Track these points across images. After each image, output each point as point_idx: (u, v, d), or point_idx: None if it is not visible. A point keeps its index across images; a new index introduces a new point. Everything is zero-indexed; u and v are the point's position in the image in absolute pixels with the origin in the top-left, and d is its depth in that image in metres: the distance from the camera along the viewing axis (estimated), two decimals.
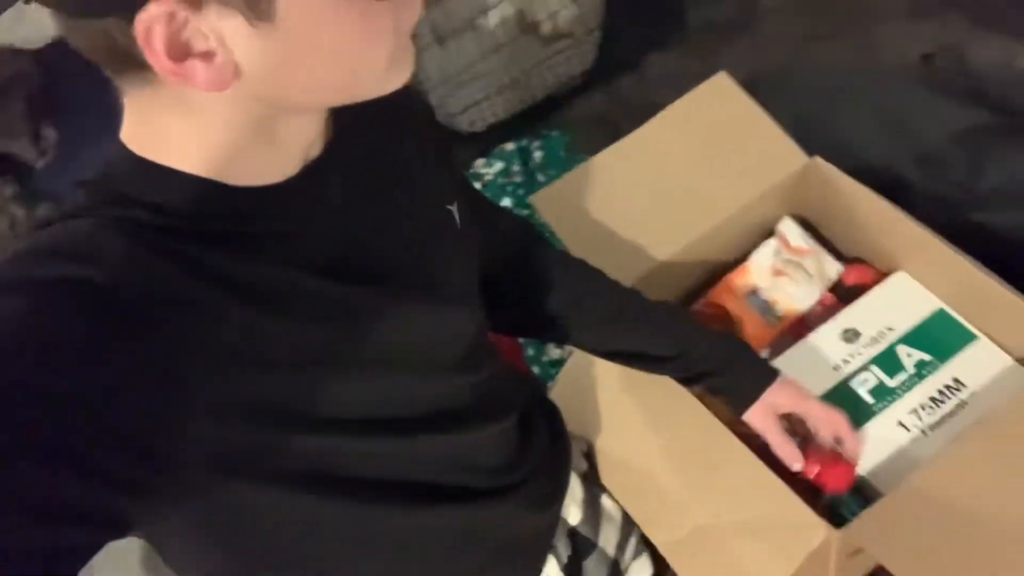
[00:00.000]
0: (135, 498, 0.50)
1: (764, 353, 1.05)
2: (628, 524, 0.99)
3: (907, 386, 0.98)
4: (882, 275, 1.07)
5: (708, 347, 0.92)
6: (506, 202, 1.93)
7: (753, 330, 1.08)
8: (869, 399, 0.98)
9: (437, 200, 0.75)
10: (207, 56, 0.49)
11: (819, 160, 1.06)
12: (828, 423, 0.90)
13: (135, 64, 0.49)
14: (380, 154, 0.69)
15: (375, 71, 0.56)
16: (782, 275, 1.09)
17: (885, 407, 0.97)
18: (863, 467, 0.94)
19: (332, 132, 0.64)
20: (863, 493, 0.94)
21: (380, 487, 0.69)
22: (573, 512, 0.94)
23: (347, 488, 0.66)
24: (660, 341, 0.92)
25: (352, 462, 0.67)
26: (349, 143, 0.64)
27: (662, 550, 0.95)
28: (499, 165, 1.99)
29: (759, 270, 1.10)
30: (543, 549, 0.90)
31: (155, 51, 0.48)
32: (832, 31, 1.47)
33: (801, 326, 1.07)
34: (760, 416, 0.90)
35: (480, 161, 2.02)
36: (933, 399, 0.97)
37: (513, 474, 0.84)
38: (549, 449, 0.92)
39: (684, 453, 0.94)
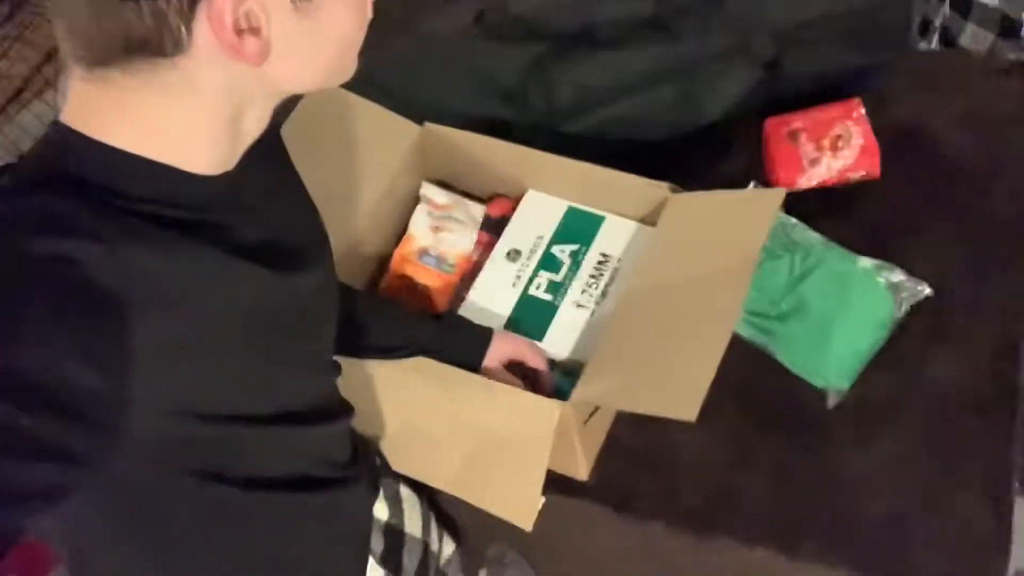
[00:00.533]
0: (71, 465, 0.51)
1: (453, 298, 1.19)
2: (425, 507, 1.09)
3: (570, 275, 1.16)
4: (517, 200, 1.25)
5: (432, 330, 1.06)
6: None
7: (437, 283, 1.21)
8: (548, 297, 1.15)
9: (308, 200, 0.83)
10: (255, 31, 0.55)
11: (429, 125, 1.20)
12: (534, 353, 1.08)
13: (147, 50, 0.53)
14: (269, 154, 0.74)
15: (355, 55, 0.64)
16: (440, 230, 1.22)
17: (562, 298, 1.15)
18: (566, 351, 1.11)
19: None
20: (574, 372, 1.10)
21: (268, 476, 0.75)
22: (380, 509, 1.02)
23: (243, 478, 0.71)
24: (392, 333, 1.05)
25: (252, 453, 0.72)
26: (256, 150, 0.69)
27: (449, 490, 1.05)
28: None
29: (420, 233, 1.22)
30: (365, 540, 0.98)
31: (224, 25, 0.53)
32: (387, 29, 1.63)
33: (474, 266, 1.21)
34: (492, 371, 1.06)
35: None
36: (592, 276, 1.16)
37: (354, 467, 0.92)
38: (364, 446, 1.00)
39: (430, 401, 1.05)
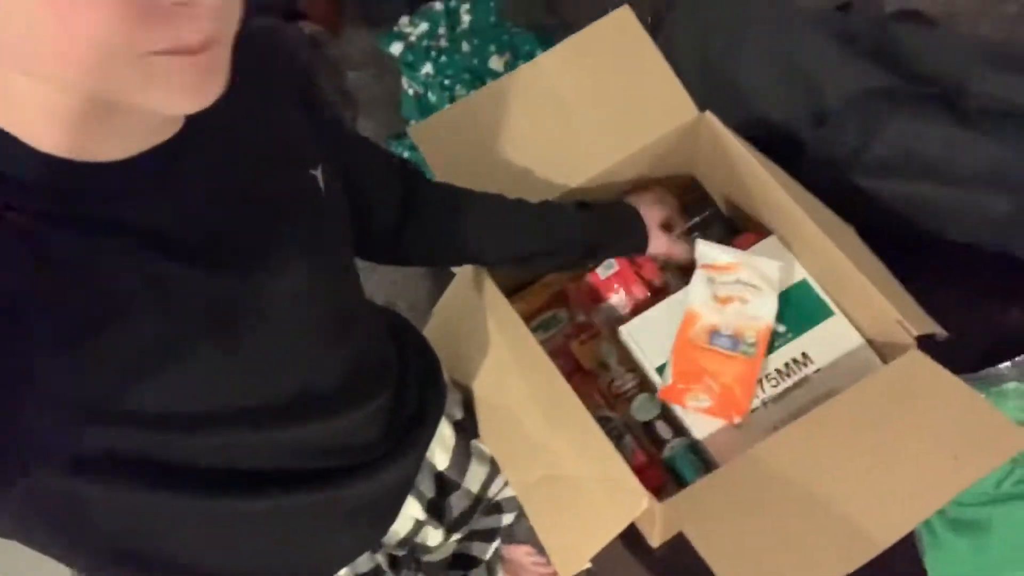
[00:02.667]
0: None
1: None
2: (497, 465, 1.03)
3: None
4: (760, 239, 1.07)
5: (589, 223, 1.00)
6: (427, 68, 1.85)
7: (736, 370, 0.97)
8: None
9: (299, 167, 0.71)
10: None
11: (709, 115, 1.02)
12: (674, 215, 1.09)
13: None
14: (241, 125, 0.65)
15: (127, 74, 0.46)
16: (730, 300, 1.00)
17: None
18: (704, 433, 0.98)
19: None
20: (700, 456, 0.99)
21: (232, 476, 0.69)
22: (440, 457, 0.97)
23: (192, 479, 0.66)
24: (544, 236, 0.98)
25: (200, 454, 0.66)
26: (210, 115, 0.59)
27: (515, 490, 1.00)
28: (424, 26, 1.89)
29: (704, 307, 1.00)
30: (401, 498, 0.92)
31: None
32: None
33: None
34: (656, 244, 1.04)
35: (404, 19, 1.92)
36: (779, 371, 1.00)
37: (383, 446, 0.84)
38: (418, 409, 0.92)
39: (538, 404, 0.97)
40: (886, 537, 0.82)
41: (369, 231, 0.86)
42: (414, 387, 0.92)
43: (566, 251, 0.99)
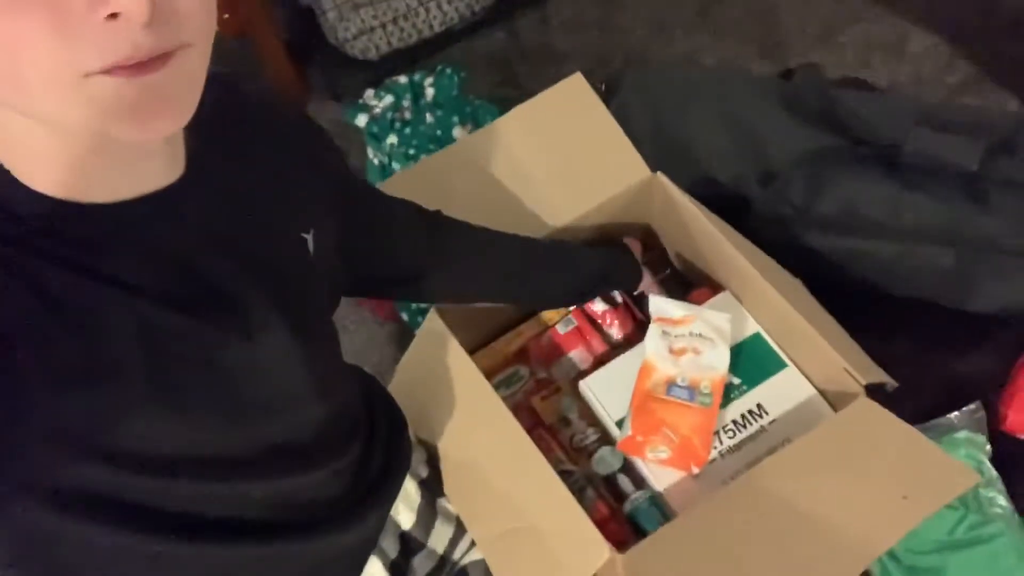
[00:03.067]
0: None
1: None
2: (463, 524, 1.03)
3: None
4: (715, 293, 1.11)
5: (615, 262, 1.10)
6: (391, 139, 1.89)
7: (693, 421, 0.99)
8: None
9: (292, 228, 0.72)
10: None
11: (660, 176, 1.06)
12: None
13: None
14: (239, 180, 0.66)
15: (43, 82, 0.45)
16: (684, 352, 1.03)
17: None
18: (663, 485, 1.00)
19: (191, 153, 0.61)
20: (661, 509, 1.00)
21: (196, 524, 0.69)
22: (405, 516, 0.97)
23: (158, 523, 0.66)
24: (582, 278, 1.07)
25: (169, 499, 0.66)
26: (208, 165, 0.61)
27: (479, 545, 1.00)
28: (389, 99, 1.94)
29: (660, 359, 1.03)
30: (364, 557, 0.92)
31: None
32: (724, 30, 1.45)
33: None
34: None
35: (369, 92, 1.96)
36: (735, 422, 1.02)
37: (346, 503, 0.84)
38: (384, 466, 0.92)
39: (501, 460, 0.98)
40: None
41: (392, 276, 0.90)
42: (380, 445, 0.93)
43: (581, 283, 1.07)
